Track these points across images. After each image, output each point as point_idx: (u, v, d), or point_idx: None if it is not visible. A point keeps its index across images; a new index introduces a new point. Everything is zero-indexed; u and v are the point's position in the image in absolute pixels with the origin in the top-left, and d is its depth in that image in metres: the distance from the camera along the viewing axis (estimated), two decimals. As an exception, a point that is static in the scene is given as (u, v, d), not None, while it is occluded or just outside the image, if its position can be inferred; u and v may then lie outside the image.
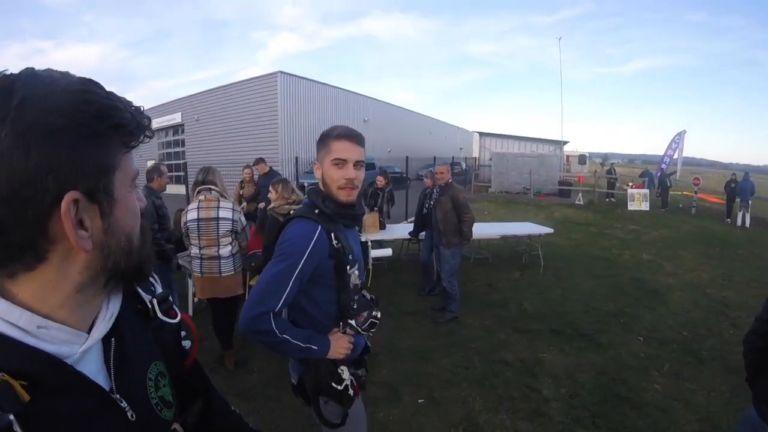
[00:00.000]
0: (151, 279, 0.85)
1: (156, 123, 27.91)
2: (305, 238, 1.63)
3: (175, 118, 27.74)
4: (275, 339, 1.58)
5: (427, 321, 5.74)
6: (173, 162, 26.54)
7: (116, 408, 0.66)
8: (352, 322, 1.72)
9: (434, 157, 17.61)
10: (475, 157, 27.40)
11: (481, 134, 26.25)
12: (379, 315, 1.76)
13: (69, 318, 0.62)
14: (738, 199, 15.03)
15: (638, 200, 16.73)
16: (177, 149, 28.75)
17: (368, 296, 1.82)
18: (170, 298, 0.88)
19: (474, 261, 8.82)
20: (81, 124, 0.56)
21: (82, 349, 0.63)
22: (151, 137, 0.67)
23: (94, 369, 0.66)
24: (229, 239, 4.14)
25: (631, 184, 18.49)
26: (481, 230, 8.88)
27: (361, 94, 28.46)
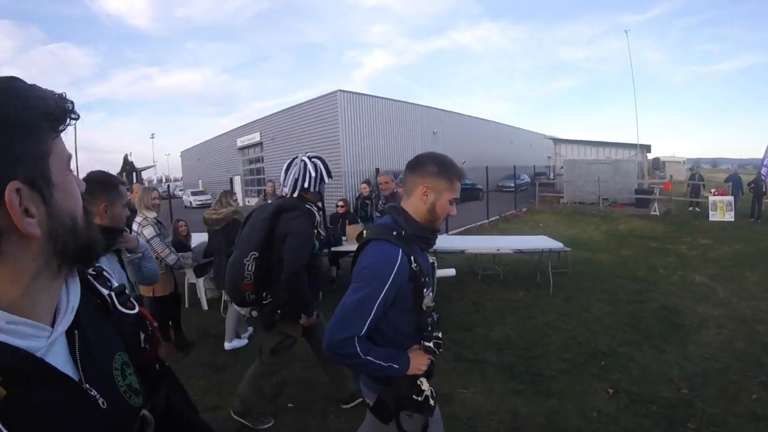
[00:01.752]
0: (107, 274, 0.88)
1: (240, 142, 31.28)
2: (389, 263, 1.60)
3: (255, 137, 29.47)
4: (359, 361, 1.57)
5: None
6: (255, 177, 29.22)
7: (87, 397, 0.66)
8: (429, 344, 1.73)
9: (486, 167, 16.17)
10: (548, 166, 25.36)
11: (556, 141, 23.96)
12: (440, 335, 1.78)
13: (32, 309, 0.63)
14: None
15: (721, 209, 13.89)
16: (258, 165, 30.51)
17: (436, 317, 1.81)
18: (126, 291, 0.88)
19: (482, 277, 7.63)
20: (10, 116, 0.58)
21: (48, 341, 0.64)
22: (77, 119, 0.68)
23: (61, 361, 0.66)
24: None
25: (713, 190, 15.53)
26: (484, 243, 7.89)
27: (431, 107, 27.76)
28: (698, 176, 17.10)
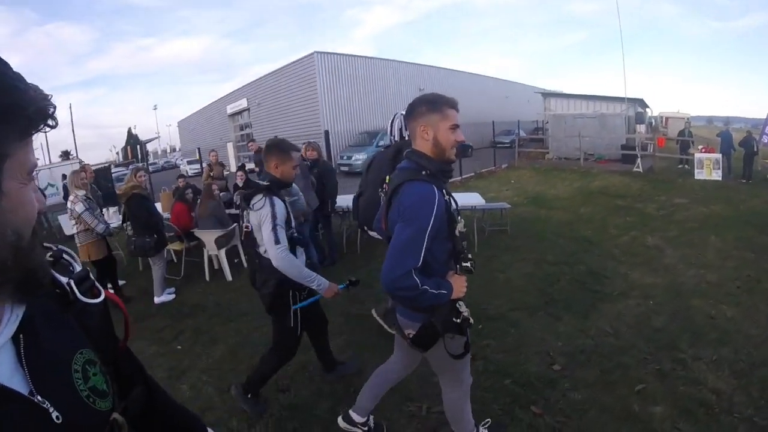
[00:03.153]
0: (68, 258, 0.80)
1: (229, 108, 31.66)
2: (429, 200, 1.73)
3: (243, 103, 29.62)
4: (417, 292, 1.68)
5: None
6: (246, 143, 28.63)
7: (38, 411, 0.60)
8: (468, 264, 1.90)
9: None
10: (536, 121, 24.09)
11: (545, 95, 22.57)
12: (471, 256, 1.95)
13: None
14: None
15: (708, 167, 12.77)
16: (248, 131, 30.46)
17: (465, 243, 1.97)
18: (90, 276, 0.79)
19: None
20: None
21: None
22: (53, 126, 0.61)
23: (7, 373, 0.59)
24: (74, 222, 5.21)
25: (701, 147, 14.32)
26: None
27: (416, 63, 27.30)
28: (688, 132, 15.83)
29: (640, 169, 14.25)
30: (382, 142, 18.85)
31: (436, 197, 1.73)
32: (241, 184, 6.75)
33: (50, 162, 33.71)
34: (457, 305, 1.82)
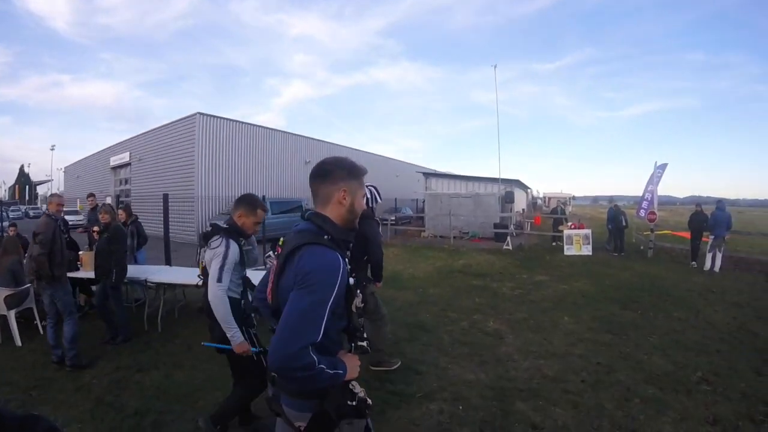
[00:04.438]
0: None
1: (112, 161, 30.49)
2: (334, 266, 1.53)
3: (125, 157, 28.37)
4: (313, 371, 1.44)
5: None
6: (125, 199, 26.66)
7: None
8: (363, 343, 1.72)
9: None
10: (416, 200, 24.31)
11: (426, 174, 22.88)
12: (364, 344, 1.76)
13: None
14: (711, 236, 10.91)
15: (577, 243, 13.08)
16: (128, 186, 29.05)
17: (362, 320, 1.96)
18: None
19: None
20: None
21: None
22: None
23: None
24: None
25: (570, 224, 14.79)
26: (169, 276, 6.47)
27: (304, 136, 27.69)
28: (560, 210, 16.11)
29: (510, 247, 14.35)
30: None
31: (341, 266, 1.52)
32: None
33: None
34: (351, 386, 1.61)
